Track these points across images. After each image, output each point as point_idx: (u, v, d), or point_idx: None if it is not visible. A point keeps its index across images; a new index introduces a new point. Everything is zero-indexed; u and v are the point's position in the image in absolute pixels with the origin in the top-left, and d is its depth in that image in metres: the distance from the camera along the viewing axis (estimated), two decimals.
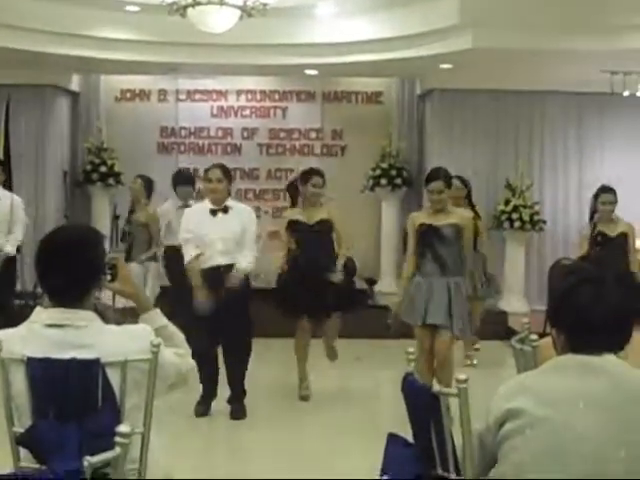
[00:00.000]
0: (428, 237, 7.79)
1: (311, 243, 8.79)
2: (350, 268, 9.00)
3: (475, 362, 10.20)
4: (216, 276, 7.90)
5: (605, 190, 9.55)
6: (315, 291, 8.63)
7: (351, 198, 13.64)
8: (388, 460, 3.50)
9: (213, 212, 8.00)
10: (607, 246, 9.35)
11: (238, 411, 8.10)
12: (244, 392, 8.22)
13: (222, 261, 7.95)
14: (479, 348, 10.45)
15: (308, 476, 6.47)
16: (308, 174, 9.01)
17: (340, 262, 8.74)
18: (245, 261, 7.97)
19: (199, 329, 7.16)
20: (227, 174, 8.14)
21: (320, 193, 8.91)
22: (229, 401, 8.19)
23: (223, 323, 7.85)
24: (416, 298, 7.79)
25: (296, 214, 8.91)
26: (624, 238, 9.44)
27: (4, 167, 10.04)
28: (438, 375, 7.85)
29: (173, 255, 9.07)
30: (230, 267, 7.94)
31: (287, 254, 8.87)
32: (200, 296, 7.82)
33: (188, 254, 7.97)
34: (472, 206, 10.08)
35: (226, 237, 7.94)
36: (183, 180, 10.48)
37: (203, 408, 8.10)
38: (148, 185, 10.72)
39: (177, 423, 7.63)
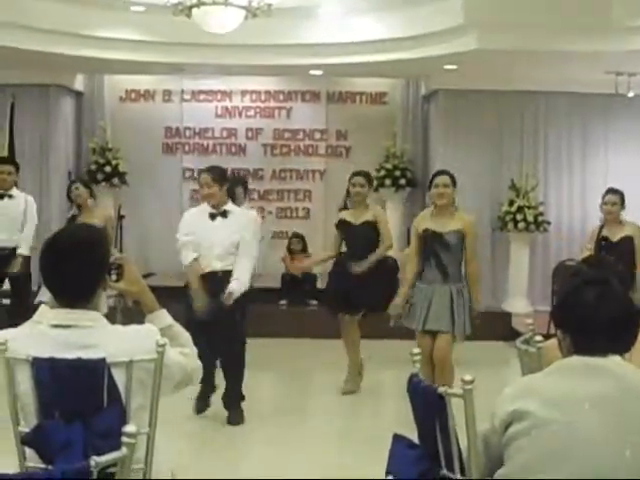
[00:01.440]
0: (431, 243, 7.81)
1: (356, 242, 9.07)
2: (391, 266, 9.23)
3: None
4: (214, 281, 7.73)
5: (609, 191, 9.53)
6: (360, 285, 8.86)
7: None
8: (393, 460, 3.51)
9: (212, 216, 7.84)
10: (610, 252, 9.29)
11: (235, 417, 7.93)
12: (242, 398, 8.07)
13: (219, 266, 7.76)
14: None
15: (311, 475, 6.49)
16: (352, 175, 9.28)
17: (372, 258, 8.94)
18: (238, 283, 7.72)
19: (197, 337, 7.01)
20: (218, 178, 7.90)
21: (361, 192, 9.08)
22: (226, 407, 8.02)
23: (218, 332, 7.80)
24: (416, 304, 7.83)
25: (346, 215, 9.17)
26: (629, 241, 9.35)
27: (17, 169, 10.13)
28: (438, 380, 7.86)
29: None
30: (228, 273, 7.74)
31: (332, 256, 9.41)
32: (199, 300, 7.67)
33: (187, 257, 7.82)
34: None
35: (224, 242, 7.75)
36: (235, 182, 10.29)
37: (201, 404, 8.03)
38: (91, 191, 10.56)
39: (177, 424, 7.67)
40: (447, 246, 7.79)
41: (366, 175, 9.36)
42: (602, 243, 9.35)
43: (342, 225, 9.17)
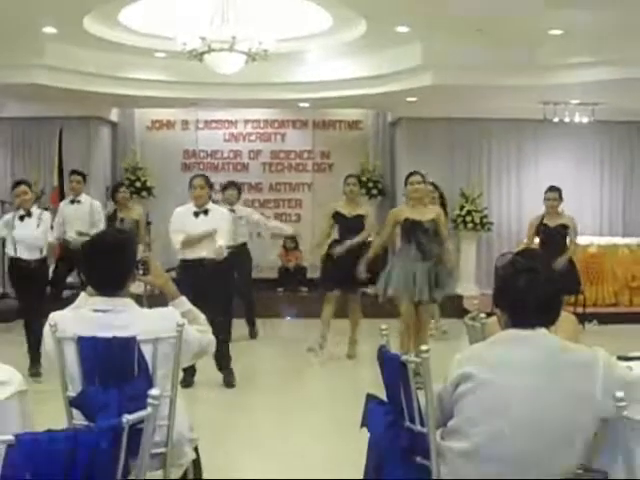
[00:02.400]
0: (413, 230, 7.83)
1: (348, 231, 9.12)
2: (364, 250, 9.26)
3: (433, 333, 9.98)
4: (201, 266, 7.71)
5: (550, 189, 9.65)
6: (347, 268, 8.83)
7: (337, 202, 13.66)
8: (367, 414, 3.52)
9: (196, 214, 7.87)
10: (547, 234, 9.44)
11: (229, 378, 7.92)
12: (230, 358, 7.99)
13: (204, 253, 7.73)
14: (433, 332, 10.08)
15: (306, 424, 6.50)
16: (347, 177, 9.45)
17: (353, 242, 9.02)
18: (222, 240, 7.79)
19: None
20: (208, 182, 8.05)
21: (354, 190, 9.26)
22: (220, 369, 7.97)
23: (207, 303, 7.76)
24: (402, 279, 7.81)
25: (340, 206, 9.23)
26: (562, 229, 9.51)
27: (85, 179, 10.22)
28: (420, 335, 7.88)
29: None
30: (211, 260, 7.71)
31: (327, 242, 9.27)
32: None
33: (177, 241, 7.84)
34: (444, 206, 10.23)
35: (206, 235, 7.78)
36: (230, 185, 10.41)
37: (188, 381, 7.64)
38: (131, 193, 10.69)
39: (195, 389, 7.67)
40: (425, 231, 7.83)
41: (357, 177, 9.72)
42: (542, 228, 9.49)
43: (337, 215, 9.19)
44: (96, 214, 10.14)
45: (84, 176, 10.37)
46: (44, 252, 8.23)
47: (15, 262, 8.13)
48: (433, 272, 7.86)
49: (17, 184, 8.35)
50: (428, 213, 7.94)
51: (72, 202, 10.13)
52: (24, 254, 8.08)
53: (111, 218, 10.36)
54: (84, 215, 10.02)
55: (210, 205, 7.99)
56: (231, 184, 10.42)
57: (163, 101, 13.16)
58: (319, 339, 9.22)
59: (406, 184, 8.09)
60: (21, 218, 8.15)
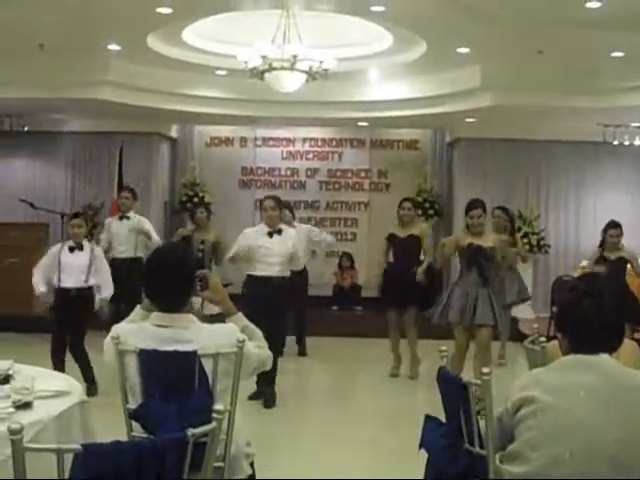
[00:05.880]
0: (475, 255, 7.74)
1: (401, 251, 9.20)
2: (432, 270, 9.37)
3: (504, 362, 9.81)
4: (271, 284, 7.80)
5: (612, 225, 9.39)
6: (403, 287, 9.00)
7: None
8: (425, 436, 3.51)
9: (270, 234, 7.90)
10: (606, 266, 9.24)
11: (269, 399, 7.83)
12: (274, 382, 7.91)
13: (277, 272, 7.85)
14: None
15: (360, 445, 6.48)
16: (401, 200, 9.50)
17: (423, 266, 9.11)
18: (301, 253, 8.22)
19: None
20: (280, 204, 8.16)
21: (407, 213, 9.27)
22: (259, 388, 7.90)
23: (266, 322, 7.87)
24: (459, 303, 7.71)
25: (394, 228, 9.29)
26: (622, 262, 9.29)
27: (135, 196, 10.30)
28: (478, 358, 7.68)
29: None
30: (282, 279, 7.89)
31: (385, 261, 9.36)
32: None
33: (230, 251, 8.10)
34: (512, 233, 9.96)
35: (281, 253, 7.87)
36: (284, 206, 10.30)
37: (257, 394, 7.82)
38: (209, 215, 10.63)
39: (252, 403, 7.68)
40: (487, 256, 7.74)
41: (412, 200, 9.69)
42: (602, 261, 9.30)
43: (390, 237, 9.25)
44: (144, 228, 10.13)
45: (134, 193, 10.44)
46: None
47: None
48: (497, 299, 7.79)
49: (74, 216, 8.30)
50: (488, 240, 7.88)
51: (121, 218, 10.23)
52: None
53: (188, 239, 10.02)
54: (131, 231, 10.12)
55: (282, 226, 8.11)
56: (285, 205, 10.31)
57: (223, 118, 13.29)
58: (394, 367, 9.34)
59: (467, 213, 7.94)
60: (71, 249, 7.98)
